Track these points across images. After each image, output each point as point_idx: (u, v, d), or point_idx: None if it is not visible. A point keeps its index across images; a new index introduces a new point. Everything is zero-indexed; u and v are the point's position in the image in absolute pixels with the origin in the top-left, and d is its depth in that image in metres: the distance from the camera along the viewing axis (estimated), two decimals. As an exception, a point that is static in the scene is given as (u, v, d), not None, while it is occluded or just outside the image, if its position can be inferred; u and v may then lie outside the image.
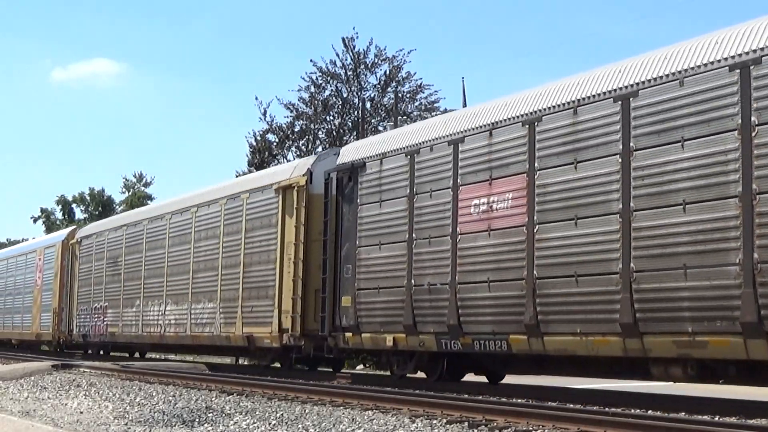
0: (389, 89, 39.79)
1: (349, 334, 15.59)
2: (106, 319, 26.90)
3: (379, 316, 14.93)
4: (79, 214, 65.03)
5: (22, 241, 60.44)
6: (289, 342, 17.61)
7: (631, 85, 11.12)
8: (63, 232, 33.40)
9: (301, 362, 19.51)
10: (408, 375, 15.63)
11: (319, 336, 16.58)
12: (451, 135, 13.83)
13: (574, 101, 11.87)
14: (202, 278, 21.21)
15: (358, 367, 24.47)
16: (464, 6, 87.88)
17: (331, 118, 40.64)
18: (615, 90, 11.33)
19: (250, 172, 36.81)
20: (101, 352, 30.40)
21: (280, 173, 18.92)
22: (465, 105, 31.22)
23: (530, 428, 8.87)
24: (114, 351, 30.06)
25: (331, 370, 19.28)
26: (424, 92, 39.83)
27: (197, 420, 10.17)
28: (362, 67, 39.82)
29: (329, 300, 16.07)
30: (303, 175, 17.75)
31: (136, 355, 30.93)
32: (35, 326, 33.10)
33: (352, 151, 16.35)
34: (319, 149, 38.02)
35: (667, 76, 10.71)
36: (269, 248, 18.44)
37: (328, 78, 40.00)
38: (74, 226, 35.10)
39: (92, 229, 30.38)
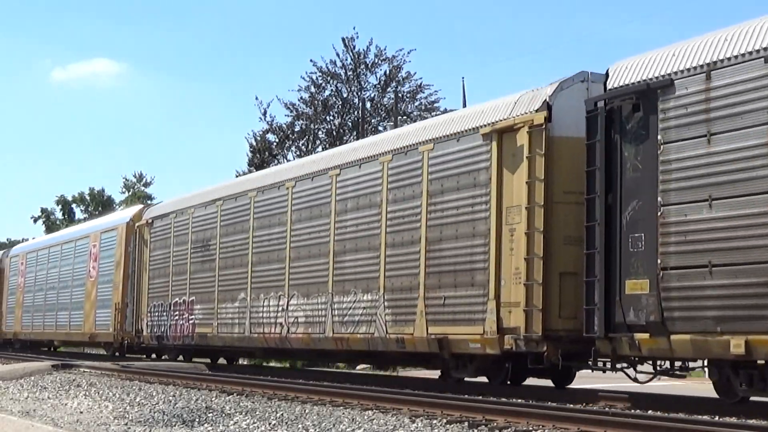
0: (389, 89, 39.85)
1: (643, 336, 10.69)
2: (192, 316, 21.33)
3: (714, 308, 9.94)
4: (79, 214, 65.05)
5: (23, 241, 60.41)
6: (516, 347, 12.56)
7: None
8: (126, 213, 27.75)
9: (535, 374, 14.04)
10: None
11: (581, 338, 11.59)
12: None
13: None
14: (352, 261, 16.06)
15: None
16: (464, 6, 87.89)
17: (331, 118, 40.71)
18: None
19: (250, 172, 36.79)
20: (180, 358, 24.00)
21: (491, 111, 13.68)
22: (465, 105, 31.19)
23: (530, 428, 8.87)
24: (201, 356, 23.89)
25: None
26: (424, 92, 39.91)
27: (197, 420, 10.17)
28: (362, 67, 39.88)
29: (601, 286, 11.25)
30: (537, 111, 12.67)
31: (242, 361, 25.96)
32: (88, 325, 27.89)
33: (640, 67, 11.22)
34: (319, 149, 38.03)
35: None
36: (475, 216, 13.44)
37: (328, 78, 40.07)
38: (141, 206, 28.45)
39: (168, 207, 24.05)
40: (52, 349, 36.08)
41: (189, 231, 21.94)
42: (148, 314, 23.80)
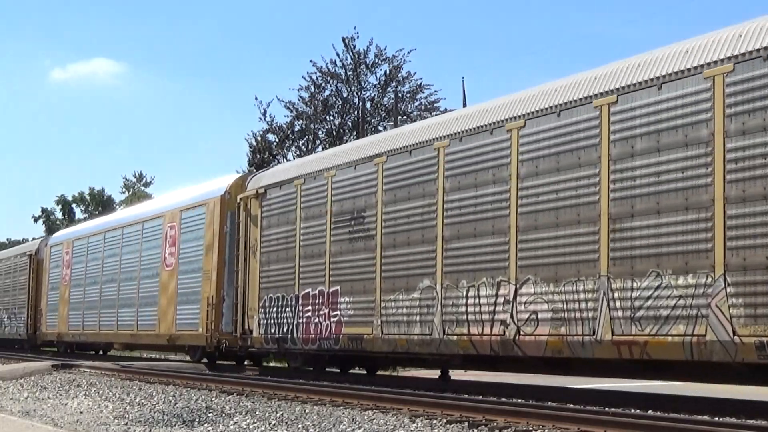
0: (389, 89, 39.83)
1: None
2: (336, 312, 16.13)
3: None
4: (79, 213, 65.10)
5: (23, 241, 60.34)
6: None
7: None
8: (216, 185, 21.31)
9: None
10: None
11: None
12: None
13: None
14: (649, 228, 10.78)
15: None
16: (464, 6, 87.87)
17: (331, 118, 40.68)
18: None
19: (250, 172, 36.81)
20: (311, 368, 18.20)
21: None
22: (465, 105, 31.23)
23: (530, 428, 8.87)
24: (351, 364, 18.74)
25: None
26: (424, 92, 39.90)
27: (197, 420, 10.18)
28: (362, 67, 39.85)
29: None
30: None
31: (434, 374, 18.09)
32: (166, 325, 22.33)
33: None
34: (319, 149, 38.06)
35: None
36: None
37: (328, 78, 40.04)
38: (237, 174, 22.08)
39: (290, 171, 18.31)
40: (106, 353, 31.86)
41: (328, 200, 16.60)
42: (261, 310, 18.24)
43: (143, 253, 24.27)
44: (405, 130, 15.71)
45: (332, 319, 16.07)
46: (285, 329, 17.43)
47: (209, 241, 20.60)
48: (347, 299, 15.86)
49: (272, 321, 17.86)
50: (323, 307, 16.33)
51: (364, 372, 18.81)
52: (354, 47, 39.80)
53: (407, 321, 14.42)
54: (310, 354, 17.55)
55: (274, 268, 18.01)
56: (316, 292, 16.65)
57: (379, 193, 15.20)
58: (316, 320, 16.53)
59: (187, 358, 23.49)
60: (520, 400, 11.50)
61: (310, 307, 16.76)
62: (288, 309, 17.41)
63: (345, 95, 40.24)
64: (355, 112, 39.89)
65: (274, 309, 17.89)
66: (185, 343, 21.95)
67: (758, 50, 9.68)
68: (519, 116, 12.60)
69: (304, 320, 16.86)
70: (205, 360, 21.59)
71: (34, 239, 45.40)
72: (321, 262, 16.56)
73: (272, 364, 24.11)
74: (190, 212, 21.85)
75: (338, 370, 18.25)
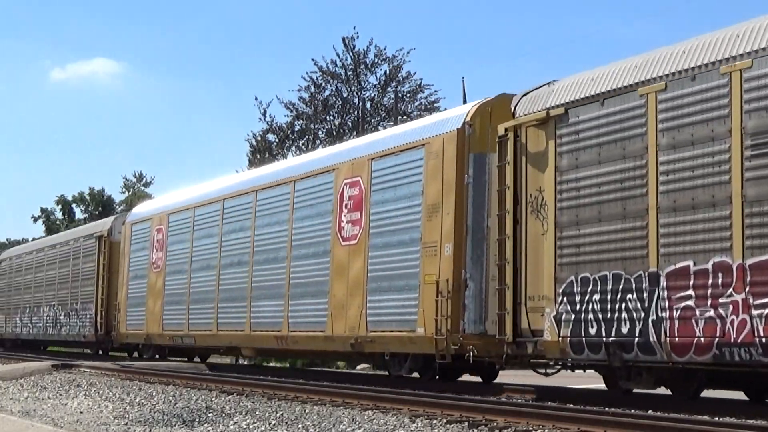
0: (389, 89, 39.87)
1: None
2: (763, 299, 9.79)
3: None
4: (79, 214, 65.09)
5: (23, 241, 60.30)
6: None
7: None
8: (452, 115, 14.80)
9: None
10: None
11: None
12: None
13: None
14: None
15: None
16: (464, 6, 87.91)
17: (331, 117, 40.73)
18: None
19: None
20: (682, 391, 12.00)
21: None
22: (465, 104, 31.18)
23: (530, 428, 8.88)
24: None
25: None
26: (424, 92, 39.93)
27: (197, 420, 10.18)
28: (362, 67, 39.88)
29: None
30: None
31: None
32: (346, 322, 15.72)
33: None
34: (319, 148, 38.07)
35: None
36: None
37: (329, 78, 40.06)
38: (481, 101, 14.49)
39: (620, 77, 11.63)
40: (204, 360, 24.87)
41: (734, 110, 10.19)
42: (563, 299, 12.05)
43: (298, 223, 17.50)
44: None
45: (756, 312, 9.78)
46: (627, 328, 11.18)
47: (433, 198, 14.17)
48: None
49: (590, 315, 11.67)
50: (727, 290, 10.13)
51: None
52: (354, 47, 39.88)
53: None
54: (688, 369, 11.02)
55: (590, 232, 11.75)
56: (708, 266, 10.40)
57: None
58: (711, 313, 10.26)
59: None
60: (520, 400, 11.50)
61: (690, 292, 10.51)
62: (632, 296, 11.19)
63: (345, 95, 40.29)
64: (355, 112, 39.93)
65: (596, 296, 11.68)
66: (386, 350, 15.22)
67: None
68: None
69: (677, 313, 10.60)
70: (415, 374, 15.63)
71: (34, 239, 45.03)
72: (719, 216, 10.30)
73: (273, 364, 23.93)
74: (390, 160, 15.30)
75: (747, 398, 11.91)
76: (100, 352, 29.72)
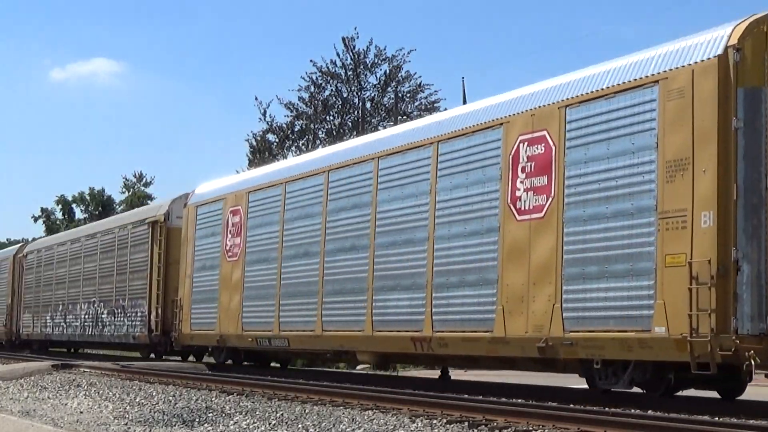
0: (389, 89, 39.88)
1: None
2: None
3: None
4: (79, 214, 65.14)
5: (23, 241, 60.34)
6: None
7: None
8: (714, 35, 10.47)
9: None
10: None
11: None
12: None
13: None
14: None
15: None
16: (464, 6, 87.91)
17: (331, 118, 40.73)
18: None
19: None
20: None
21: None
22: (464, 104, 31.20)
23: (530, 428, 8.87)
24: None
25: None
26: (424, 92, 39.94)
27: (197, 420, 10.18)
28: (362, 67, 39.89)
29: None
30: None
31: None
32: (528, 320, 12.09)
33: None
34: (319, 148, 38.06)
35: None
36: None
37: (328, 78, 40.07)
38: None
39: None
40: (285, 366, 21.03)
41: None
42: None
43: (445, 195, 13.92)
44: None
45: None
46: None
47: (677, 151, 10.63)
48: None
49: None
50: None
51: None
52: (354, 47, 39.88)
53: None
54: None
55: None
56: None
57: None
58: None
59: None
60: (520, 400, 11.50)
61: None
62: None
63: (345, 95, 40.30)
64: (355, 112, 39.94)
65: None
66: (596, 356, 11.45)
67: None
68: None
69: None
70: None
71: (34, 239, 44.58)
72: None
73: (273, 364, 21.27)
74: (597, 106, 11.67)
75: None
76: (153, 355, 25.02)
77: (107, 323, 26.17)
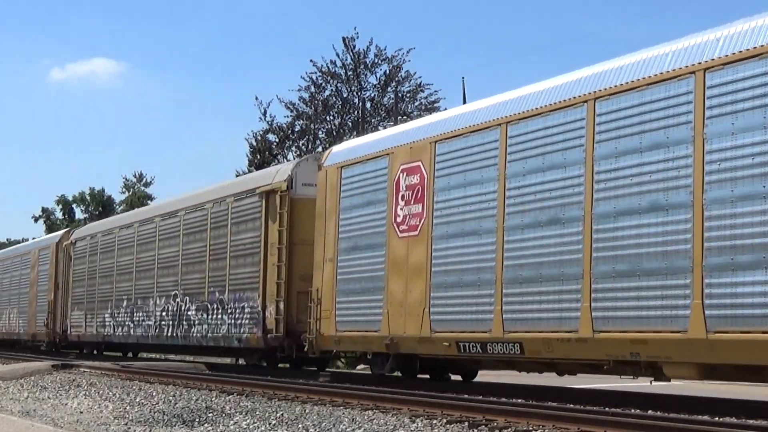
0: (389, 89, 39.87)
1: None
2: None
3: None
4: (79, 213, 65.18)
5: (23, 241, 60.34)
6: None
7: None
8: None
9: None
10: None
11: None
12: None
13: None
14: None
15: None
16: (464, 6, 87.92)
17: (331, 117, 40.73)
18: None
19: (250, 172, 36.80)
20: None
21: None
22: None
23: (530, 428, 8.87)
24: None
25: None
26: (424, 92, 39.93)
27: (197, 420, 10.18)
28: (362, 66, 39.88)
29: None
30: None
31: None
32: None
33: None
34: (320, 149, 38.07)
35: None
36: None
37: (328, 78, 40.07)
38: None
39: None
40: None
41: None
42: None
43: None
44: None
45: None
46: None
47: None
48: None
49: None
50: None
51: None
52: (354, 47, 39.87)
53: None
54: None
55: None
56: None
57: None
58: None
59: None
60: (520, 400, 11.50)
61: None
62: None
63: (345, 95, 40.29)
64: (355, 112, 39.92)
65: None
66: None
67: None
68: None
69: None
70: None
71: (34, 239, 44.07)
72: None
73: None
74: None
75: None
76: (265, 363, 19.52)
77: (195, 322, 20.67)
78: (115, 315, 25.58)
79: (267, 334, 17.88)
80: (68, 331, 29.23)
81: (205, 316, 20.35)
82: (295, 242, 17.87)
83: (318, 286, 16.07)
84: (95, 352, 28.74)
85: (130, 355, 28.88)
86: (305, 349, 16.38)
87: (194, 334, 20.78)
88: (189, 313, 21.13)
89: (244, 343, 18.92)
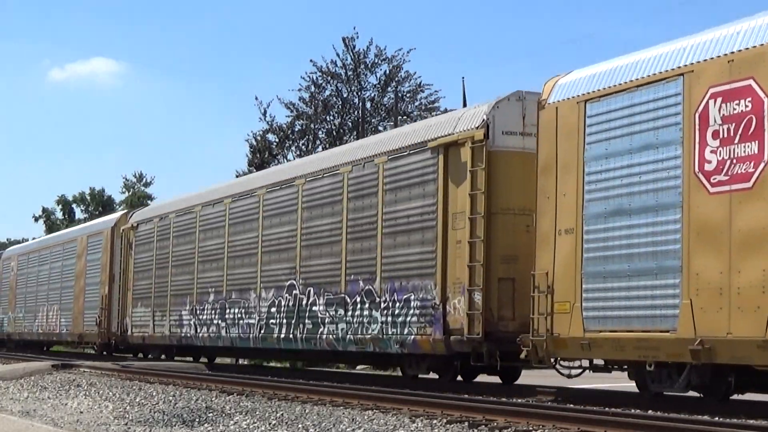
0: (389, 89, 39.85)
1: None
2: None
3: None
4: (79, 214, 65.18)
5: (23, 241, 60.37)
6: None
7: None
8: None
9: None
10: None
11: None
12: None
13: None
14: None
15: None
16: (464, 6, 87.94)
17: (331, 118, 40.70)
18: None
19: (250, 172, 36.79)
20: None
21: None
22: (465, 105, 31.25)
23: (530, 428, 8.87)
24: None
25: None
26: (424, 92, 39.92)
27: (197, 420, 10.18)
28: (362, 67, 39.87)
29: None
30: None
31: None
32: None
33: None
34: (320, 149, 38.06)
35: None
36: None
37: (329, 78, 40.06)
38: None
39: None
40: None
41: None
42: None
43: None
44: None
45: None
46: None
47: None
48: None
49: None
50: None
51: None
52: (354, 47, 39.86)
53: None
54: None
55: None
56: None
57: None
58: None
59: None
60: (520, 400, 11.50)
61: None
62: None
63: (345, 95, 40.28)
64: (355, 112, 39.90)
65: None
66: None
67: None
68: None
69: None
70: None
71: (34, 239, 43.98)
72: None
73: (273, 364, 22.32)
74: None
75: None
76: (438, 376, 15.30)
77: (327, 320, 16.25)
78: (198, 312, 20.86)
79: (449, 336, 13.58)
80: (129, 332, 24.16)
81: (341, 312, 15.91)
82: (493, 211, 13.40)
83: (546, 268, 11.84)
84: (163, 357, 23.76)
85: (231, 361, 23.87)
86: (522, 356, 12.19)
87: (323, 336, 16.35)
88: (315, 308, 16.64)
89: (410, 348, 14.48)
